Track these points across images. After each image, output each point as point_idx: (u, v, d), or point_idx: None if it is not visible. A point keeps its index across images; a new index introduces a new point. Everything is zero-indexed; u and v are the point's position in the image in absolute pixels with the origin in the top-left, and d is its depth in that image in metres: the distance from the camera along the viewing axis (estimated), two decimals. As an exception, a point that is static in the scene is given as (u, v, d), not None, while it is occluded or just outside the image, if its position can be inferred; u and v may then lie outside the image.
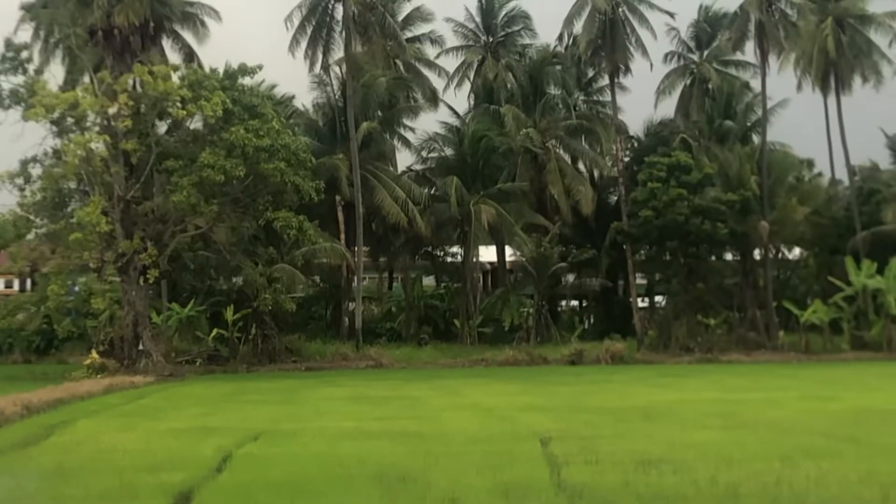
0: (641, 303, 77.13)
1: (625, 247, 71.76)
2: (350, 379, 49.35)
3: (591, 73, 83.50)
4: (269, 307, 59.36)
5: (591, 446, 20.72)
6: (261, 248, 61.18)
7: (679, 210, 64.70)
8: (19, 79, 55.87)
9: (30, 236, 58.71)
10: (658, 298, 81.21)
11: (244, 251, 60.37)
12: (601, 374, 50.08)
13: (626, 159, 77.04)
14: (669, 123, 77.90)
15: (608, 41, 72.28)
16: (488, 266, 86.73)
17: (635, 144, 79.99)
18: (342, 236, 71.55)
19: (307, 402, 35.41)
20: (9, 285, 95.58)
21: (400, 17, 79.96)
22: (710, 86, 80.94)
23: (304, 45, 69.77)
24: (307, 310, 75.20)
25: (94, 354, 54.34)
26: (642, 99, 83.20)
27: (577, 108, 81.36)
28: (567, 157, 78.27)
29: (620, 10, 72.29)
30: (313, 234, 60.99)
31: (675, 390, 38.76)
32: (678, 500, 15.55)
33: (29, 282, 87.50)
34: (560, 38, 79.39)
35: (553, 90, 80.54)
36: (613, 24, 71.72)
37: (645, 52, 73.37)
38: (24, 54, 56.67)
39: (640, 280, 77.38)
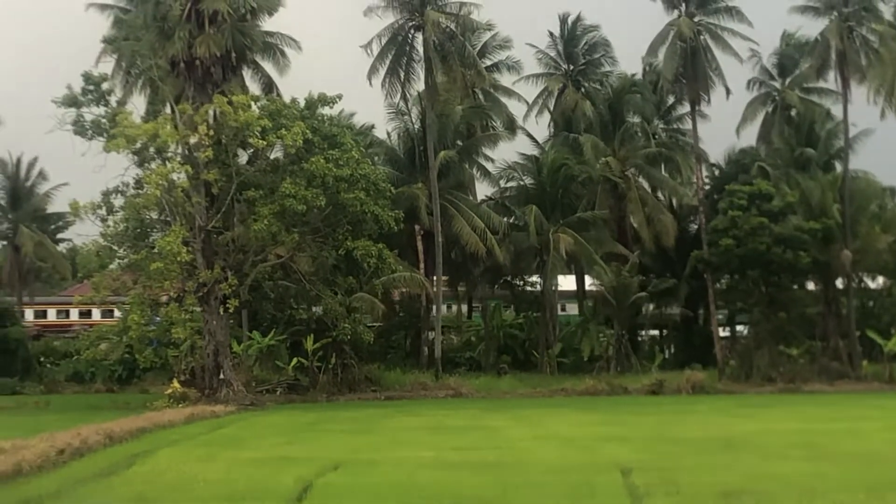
0: (722, 332, 76.41)
1: (705, 276, 71.17)
2: (429, 408, 49.30)
3: (670, 101, 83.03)
4: (349, 336, 59.44)
5: (673, 477, 20.58)
6: (340, 277, 61.27)
7: (760, 239, 64.06)
8: (101, 110, 56.52)
9: (112, 266, 59.26)
10: (739, 328, 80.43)
11: (324, 280, 60.50)
12: (682, 404, 49.67)
13: (707, 188, 76.55)
14: (750, 151, 77.14)
15: (690, 69, 71.98)
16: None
17: (716, 173, 79.44)
18: (421, 265, 71.54)
19: (386, 431, 35.42)
20: (85, 314, 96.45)
21: (479, 45, 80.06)
22: (792, 113, 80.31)
23: (382, 73, 69.99)
24: (387, 339, 75.26)
25: (176, 384, 54.65)
26: (722, 126, 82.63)
27: (657, 136, 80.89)
28: (647, 186, 77.80)
29: (702, 37, 72.00)
30: (393, 263, 61.14)
31: (757, 420, 38.39)
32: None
33: (109, 312, 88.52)
34: (643, 66, 79.43)
35: (632, 118, 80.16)
36: (695, 52, 71.42)
37: (725, 81, 73.08)
38: (105, 86, 57.27)
39: (721, 309, 76.63)
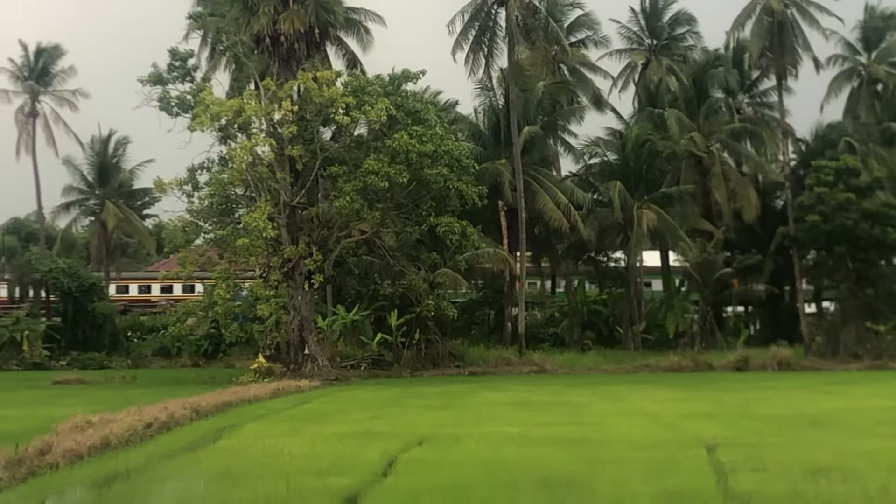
0: (808, 308, 75.73)
1: (791, 252, 70.54)
2: (513, 384, 49.22)
3: (755, 76, 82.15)
4: (432, 312, 59.52)
5: (758, 454, 20.37)
6: (424, 253, 61.33)
7: (847, 214, 63.30)
8: (186, 87, 56.94)
9: (198, 241, 59.75)
10: (826, 304, 79.56)
11: (407, 256, 60.59)
12: (767, 381, 49.21)
13: (793, 163, 75.76)
14: (837, 126, 76.24)
15: (776, 44, 71.24)
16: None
17: (802, 148, 78.65)
18: (505, 241, 71.39)
19: (470, 407, 35.36)
20: (166, 289, 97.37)
21: (566, 23, 79.78)
22: (878, 87, 79.24)
23: (466, 49, 69.91)
24: (470, 315, 75.37)
25: (261, 359, 55.02)
26: (808, 101, 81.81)
27: (741, 112, 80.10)
28: (731, 161, 77.05)
29: (789, 11, 71.18)
30: (476, 240, 61.07)
31: (844, 397, 37.92)
32: (850, 510, 15.19)
33: (190, 288, 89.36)
34: (727, 40, 78.74)
35: (717, 93, 79.40)
36: (782, 26, 70.67)
37: (813, 54, 72.27)
38: (191, 62, 57.67)
39: (807, 285, 75.85)
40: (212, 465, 20.63)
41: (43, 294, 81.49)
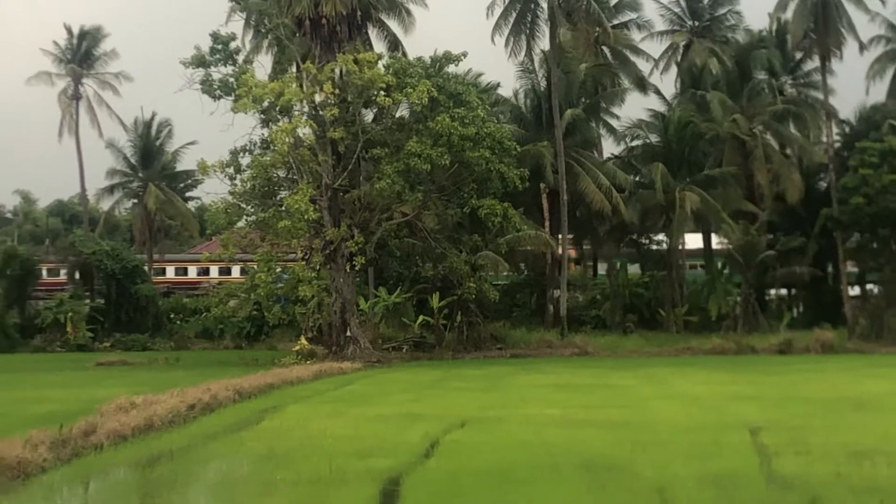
0: (852, 291, 75.25)
1: (835, 234, 70.18)
2: (555, 366, 49.16)
3: (798, 57, 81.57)
4: (474, 295, 59.50)
5: (802, 437, 20.35)
6: (465, 235, 61.28)
7: (892, 197, 62.91)
8: (228, 70, 57.07)
9: (240, 224, 59.94)
10: (870, 286, 79.06)
11: (449, 239, 60.57)
12: (811, 364, 48.93)
13: (837, 145, 75.31)
14: (881, 108, 75.63)
15: (820, 24, 70.82)
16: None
17: (846, 129, 78.12)
18: (546, 224, 71.26)
19: (512, 389, 35.39)
20: (203, 272, 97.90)
21: (611, 2, 79.57)
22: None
23: (506, 32, 69.80)
24: (512, 297, 75.32)
25: (303, 341, 55.21)
26: (852, 82, 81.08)
27: (784, 93, 79.56)
28: (774, 143, 76.54)
29: (834, -9, 70.87)
30: (518, 222, 60.96)
31: (888, 380, 37.75)
32: (894, 493, 15.10)
33: (227, 270, 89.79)
34: (770, 21, 78.27)
35: (760, 75, 78.86)
36: (826, 7, 70.26)
37: (856, 36, 71.77)
38: (233, 45, 57.78)
39: (851, 268, 75.41)
40: (254, 446, 20.73)
41: (87, 276, 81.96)
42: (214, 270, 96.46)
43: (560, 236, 68.67)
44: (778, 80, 78.90)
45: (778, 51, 79.21)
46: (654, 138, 75.90)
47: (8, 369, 52.11)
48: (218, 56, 56.69)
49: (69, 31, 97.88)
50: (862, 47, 73.34)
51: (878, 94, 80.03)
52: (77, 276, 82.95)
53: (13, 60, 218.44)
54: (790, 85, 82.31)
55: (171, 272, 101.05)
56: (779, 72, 79.47)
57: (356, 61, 54.25)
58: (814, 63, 78.07)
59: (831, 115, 76.01)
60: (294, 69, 58.74)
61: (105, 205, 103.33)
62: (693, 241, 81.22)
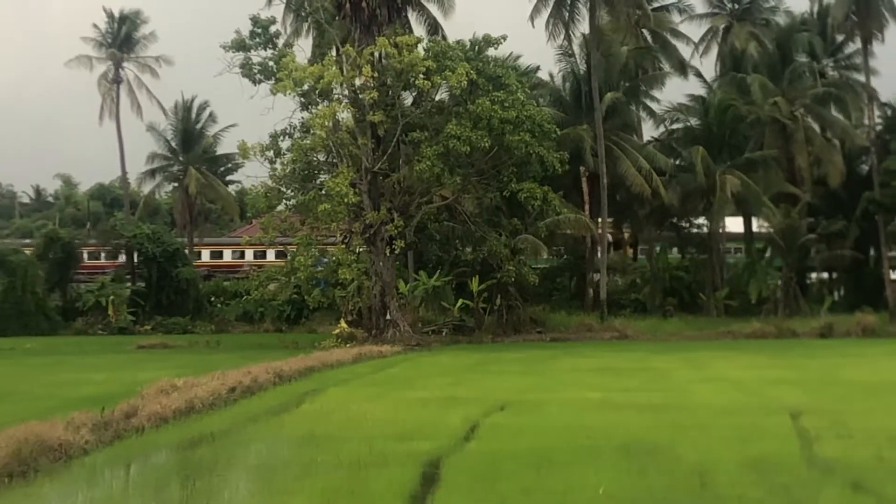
0: (894, 275, 74.78)
1: (877, 217, 69.76)
2: (594, 350, 49.11)
3: (840, 40, 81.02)
4: (513, 278, 59.44)
5: (843, 420, 20.30)
6: (504, 219, 61.21)
7: (935, 179, 62.55)
8: (268, 53, 57.22)
9: (280, 207, 60.08)
10: (912, 270, 78.63)
11: (488, 222, 60.54)
12: (852, 348, 48.72)
13: (879, 128, 74.83)
14: (924, 89, 75.26)
15: (862, 7, 70.33)
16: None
17: (888, 112, 77.57)
18: (586, 207, 71.05)
19: (552, 372, 35.38)
20: (238, 255, 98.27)
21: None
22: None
23: (546, 14, 69.73)
24: (551, 281, 75.24)
25: (343, 324, 55.36)
26: (894, 65, 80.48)
27: (826, 76, 79.07)
28: (816, 126, 76.12)
29: (876, -28, 70.35)
30: (557, 205, 60.83)
31: (931, 365, 37.58)
32: (938, 477, 15.04)
33: (262, 254, 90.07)
34: (811, 3, 77.89)
35: (801, 57, 78.39)
36: (868, -12, 69.81)
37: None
38: (273, 29, 57.91)
39: (894, 251, 74.97)
40: (295, 428, 20.82)
41: (124, 258, 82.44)
42: (250, 254, 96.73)
43: (600, 220, 68.47)
44: (819, 63, 78.45)
45: (819, 34, 78.73)
46: (694, 121, 75.66)
47: (50, 352, 52.53)
48: (258, 40, 56.87)
49: (109, 14, 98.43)
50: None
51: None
52: (118, 259, 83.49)
53: (54, 44, 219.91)
54: (831, 68, 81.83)
55: (206, 255, 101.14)
56: (820, 55, 78.98)
57: (395, 45, 54.26)
58: (855, 46, 77.77)
59: (873, 97, 75.56)
60: (333, 53, 58.74)
61: (146, 188, 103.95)
62: (734, 224, 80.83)
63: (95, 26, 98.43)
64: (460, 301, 62.04)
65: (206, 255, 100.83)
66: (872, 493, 14.09)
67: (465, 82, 54.30)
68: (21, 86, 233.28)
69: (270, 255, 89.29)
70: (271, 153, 56.97)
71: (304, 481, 15.37)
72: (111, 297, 73.57)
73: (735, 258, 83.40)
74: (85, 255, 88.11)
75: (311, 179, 58.16)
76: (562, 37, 71.32)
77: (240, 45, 56.53)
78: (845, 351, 46.01)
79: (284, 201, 59.54)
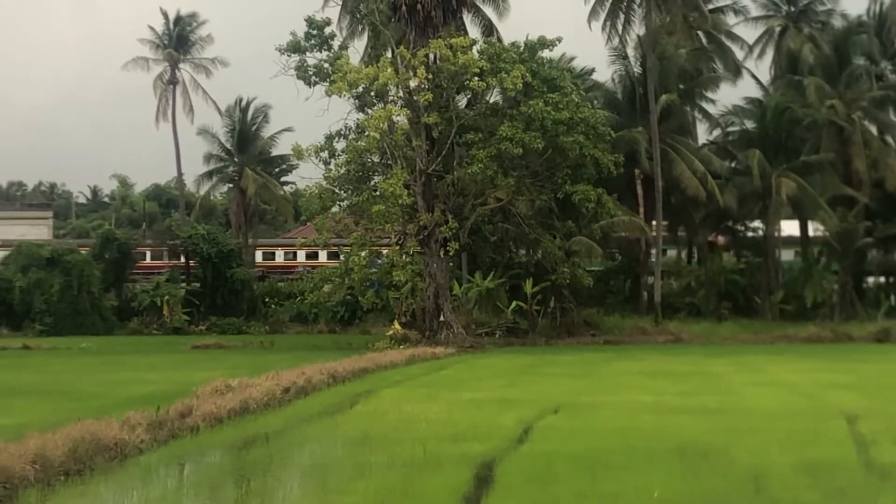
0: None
1: (935, 220, 69.22)
2: (648, 353, 49.03)
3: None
4: (567, 280, 59.33)
5: (900, 425, 20.14)
6: (557, 221, 61.12)
7: None
8: (323, 55, 57.43)
9: (334, 209, 60.24)
10: (971, 275, 77.84)
11: (542, 224, 60.48)
12: (910, 353, 48.43)
13: (938, 131, 74.27)
14: (984, 93, 74.46)
15: (919, 10, 69.87)
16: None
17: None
18: (641, 210, 70.79)
19: (606, 375, 35.35)
20: (291, 256, 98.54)
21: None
22: None
23: (602, 16, 69.56)
24: (605, 283, 74.97)
25: (397, 325, 55.50)
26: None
27: (884, 79, 78.40)
28: (873, 130, 75.53)
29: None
30: (612, 208, 60.68)
31: None
32: None
33: (314, 255, 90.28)
34: (869, 5, 77.33)
35: (858, 60, 77.80)
36: (927, -9, 69.29)
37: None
38: (328, 31, 58.10)
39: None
40: (349, 429, 20.89)
41: (183, 260, 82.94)
42: (301, 255, 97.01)
43: (654, 222, 68.22)
44: (877, 66, 77.85)
45: (876, 36, 78.13)
46: (750, 124, 75.20)
47: (105, 351, 52.96)
48: (313, 42, 57.09)
49: (165, 16, 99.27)
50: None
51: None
52: (175, 259, 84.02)
53: (111, 46, 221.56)
54: (890, 71, 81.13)
55: (258, 256, 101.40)
56: (878, 57, 78.39)
57: (450, 47, 54.30)
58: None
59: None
60: (388, 54, 58.86)
61: (202, 190, 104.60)
62: (789, 227, 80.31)
63: (152, 28, 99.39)
64: (514, 303, 61.98)
65: (259, 256, 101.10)
66: (930, 499, 14.01)
67: (520, 84, 54.24)
68: (78, 86, 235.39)
69: (322, 256, 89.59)
70: (326, 154, 57.21)
71: (358, 482, 15.43)
72: (166, 298, 74.08)
73: (791, 262, 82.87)
74: (146, 256, 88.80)
75: (365, 181, 58.28)
76: (617, 39, 71.20)
77: (295, 47, 56.77)
78: (903, 355, 45.72)
79: (338, 203, 59.67)
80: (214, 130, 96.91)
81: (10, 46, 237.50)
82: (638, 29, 71.11)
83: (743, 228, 78.36)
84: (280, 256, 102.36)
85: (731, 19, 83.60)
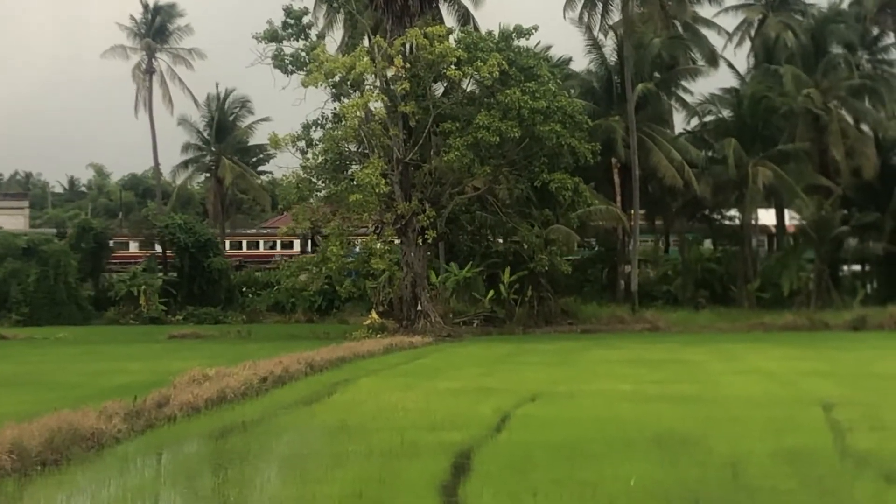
0: (929, 267, 74.32)
1: (910, 209, 69.43)
2: (626, 342, 49.12)
3: (875, 32, 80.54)
4: (545, 268, 59.36)
5: (877, 413, 20.36)
6: (535, 210, 61.13)
7: (969, 171, 62.17)
8: (301, 44, 57.36)
9: (311, 199, 60.14)
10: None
11: (519, 213, 60.49)
12: (885, 340, 48.54)
13: (913, 120, 74.48)
14: (958, 81, 74.77)
15: (894, -2, 70.07)
16: (772, 229, 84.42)
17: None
18: (618, 199, 70.88)
19: (584, 364, 35.40)
20: (272, 246, 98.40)
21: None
22: None
23: (579, 6, 69.53)
24: (582, 272, 74.97)
25: (374, 315, 55.52)
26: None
27: (861, 68, 78.57)
28: (850, 118, 75.68)
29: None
30: (589, 196, 60.73)
31: (966, 358, 37.37)
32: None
33: (290, 244, 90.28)
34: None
35: (836, 49, 77.92)
36: (902, -21, 69.44)
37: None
38: (305, 20, 58.02)
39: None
40: (326, 418, 20.89)
41: (160, 249, 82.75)
42: (275, 244, 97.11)
43: (632, 211, 68.29)
44: (855, 55, 77.99)
45: (858, 24, 78.24)
46: (727, 113, 75.27)
47: (82, 341, 52.85)
48: (290, 31, 57.06)
49: (144, 6, 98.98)
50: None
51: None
52: (151, 249, 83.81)
53: (89, 34, 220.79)
54: (867, 60, 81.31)
55: (237, 246, 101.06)
56: (856, 47, 78.53)
57: (426, 36, 54.24)
58: (890, 38, 77.22)
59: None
60: (365, 43, 58.76)
61: (179, 179, 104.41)
62: (766, 216, 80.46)
63: (132, 17, 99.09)
64: (491, 292, 61.95)
65: (237, 246, 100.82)
66: (906, 486, 14.05)
67: (497, 72, 54.25)
68: (56, 75, 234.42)
69: (297, 245, 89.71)
70: (303, 143, 57.17)
71: (336, 471, 15.42)
72: (143, 287, 73.87)
73: (767, 250, 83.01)
74: (122, 245, 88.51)
75: (342, 170, 58.24)
76: (597, 28, 71.20)
77: (272, 36, 56.71)
78: (878, 343, 45.85)
79: (316, 192, 59.57)
80: (192, 120, 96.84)
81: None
82: (615, 17, 71.14)
83: (720, 217, 78.46)
84: (258, 246, 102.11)
85: (709, 8, 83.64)
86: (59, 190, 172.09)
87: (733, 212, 75.71)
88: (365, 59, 54.45)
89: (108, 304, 75.65)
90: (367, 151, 56.23)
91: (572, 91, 67.24)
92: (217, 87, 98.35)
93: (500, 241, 62.82)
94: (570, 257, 65.53)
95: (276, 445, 18.49)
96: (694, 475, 14.78)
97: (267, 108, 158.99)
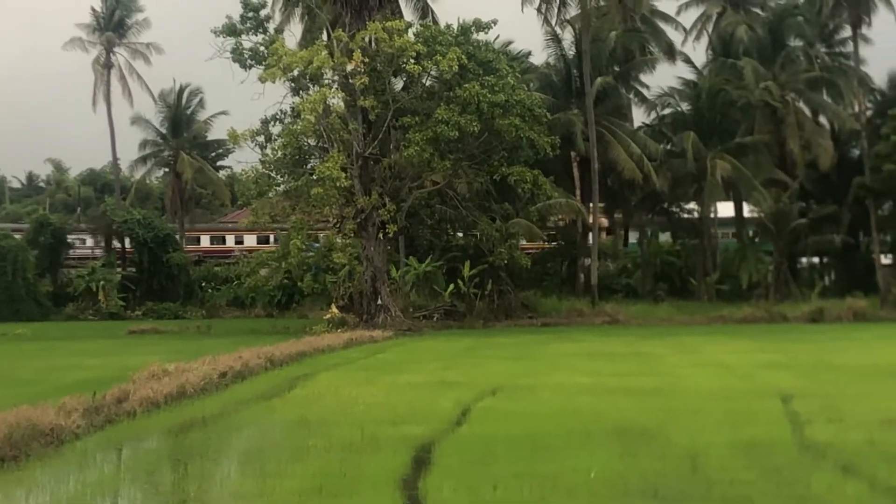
0: (885, 259, 74.76)
1: (867, 202, 69.74)
2: (586, 335, 49.15)
3: (832, 25, 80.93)
4: (505, 261, 59.42)
5: (834, 404, 20.39)
6: (495, 203, 61.17)
7: (926, 164, 62.54)
8: (259, 38, 57.19)
9: (271, 194, 59.99)
10: (902, 255, 78.63)
11: (479, 207, 60.53)
12: (843, 332, 48.72)
13: (870, 112, 74.78)
14: (915, 75, 75.21)
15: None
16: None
17: (878, 97, 77.51)
18: (577, 192, 71.10)
19: (543, 357, 35.40)
20: (239, 241, 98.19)
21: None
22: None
23: (536, 1, 69.75)
24: (542, 266, 75.19)
25: (334, 309, 55.42)
26: (887, 50, 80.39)
27: (819, 61, 78.96)
28: (807, 111, 76.06)
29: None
30: (549, 189, 60.75)
31: (922, 349, 37.59)
32: (929, 460, 15.07)
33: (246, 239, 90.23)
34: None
35: (794, 42, 78.30)
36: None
37: (889, 3, 71.21)
38: (263, 13, 57.88)
39: (884, 236, 74.91)
40: (287, 413, 20.86)
41: (118, 245, 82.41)
42: (231, 240, 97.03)
43: (591, 205, 68.45)
44: (812, 48, 78.36)
45: (817, 16, 78.58)
46: (685, 106, 75.54)
47: (41, 337, 52.60)
48: (248, 24, 56.90)
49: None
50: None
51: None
52: (109, 244, 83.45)
53: (48, 27, 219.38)
54: (825, 53, 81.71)
55: (196, 241, 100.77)
56: (813, 39, 78.89)
57: (385, 30, 54.18)
58: (848, 31, 77.62)
59: (864, 82, 75.52)
60: (324, 37, 58.65)
61: (137, 174, 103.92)
62: (725, 209, 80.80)
63: (92, 9, 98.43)
64: (451, 286, 62.01)
65: (196, 241, 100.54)
66: (863, 477, 14.10)
67: (456, 66, 54.23)
68: (13, 68, 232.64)
69: (251, 240, 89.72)
70: (262, 138, 56.97)
71: (296, 465, 15.40)
72: (102, 283, 73.61)
73: (726, 243, 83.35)
74: (79, 241, 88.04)
75: (302, 165, 58.09)
76: (554, 21, 71.35)
77: (231, 30, 56.56)
78: (836, 335, 46.02)
79: (275, 188, 59.40)
80: (149, 115, 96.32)
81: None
82: (573, 11, 71.26)
83: (678, 210, 78.71)
84: (215, 241, 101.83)
85: (668, 2, 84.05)
86: (16, 185, 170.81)
87: (692, 205, 75.91)
88: (323, 53, 54.35)
89: (67, 299, 75.40)
90: (326, 146, 56.09)
91: (531, 85, 67.34)
92: (174, 81, 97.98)
93: (460, 234, 62.85)
94: (530, 250, 65.71)
95: (236, 440, 18.46)
96: (653, 467, 14.81)
97: (226, 102, 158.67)
